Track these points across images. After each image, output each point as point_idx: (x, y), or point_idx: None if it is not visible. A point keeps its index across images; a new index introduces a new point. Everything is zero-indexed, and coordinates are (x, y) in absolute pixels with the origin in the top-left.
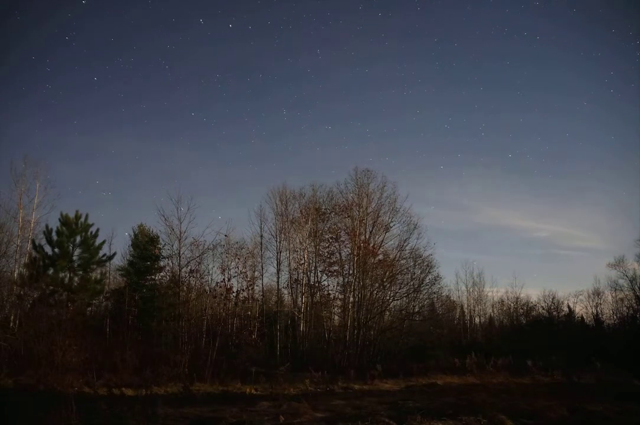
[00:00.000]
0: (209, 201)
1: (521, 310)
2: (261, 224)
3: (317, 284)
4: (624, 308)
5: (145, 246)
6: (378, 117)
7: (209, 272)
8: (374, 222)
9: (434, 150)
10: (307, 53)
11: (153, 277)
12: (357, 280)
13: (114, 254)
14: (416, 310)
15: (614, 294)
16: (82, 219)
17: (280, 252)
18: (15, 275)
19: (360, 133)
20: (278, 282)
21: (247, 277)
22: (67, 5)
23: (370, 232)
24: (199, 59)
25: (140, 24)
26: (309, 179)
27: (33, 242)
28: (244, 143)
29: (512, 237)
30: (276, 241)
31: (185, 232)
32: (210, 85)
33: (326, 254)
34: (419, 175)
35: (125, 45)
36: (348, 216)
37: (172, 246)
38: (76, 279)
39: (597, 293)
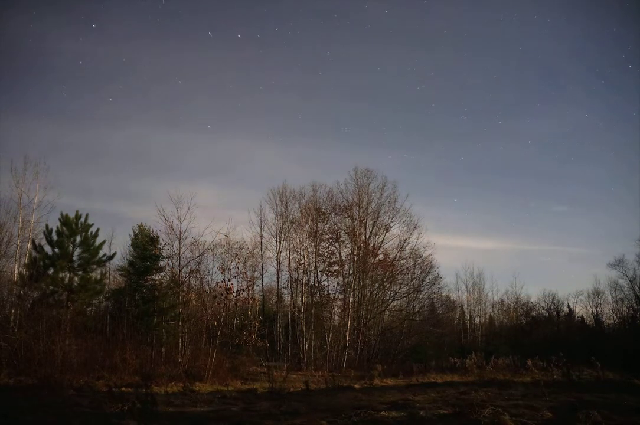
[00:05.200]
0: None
1: (521, 310)
2: (261, 224)
3: (317, 284)
4: (624, 308)
5: (145, 246)
6: (393, 114)
7: (209, 272)
8: (374, 222)
9: (451, 142)
10: (316, 56)
11: (153, 277)
12: (357, 280)
13: (114, 254)
14: (416, 310)
15: (614, 294)
16: (82, 219)
17: (280, 252)
18: (15, 275)
19: (376, 131)
20: (278, 282)
21: (247, 277)
22: (78, 30)
23: (370, 232)
24: (210, 71)
25: (150, 43)
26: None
27: (33, 242)
28: (260, 149)
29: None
30: (276, 241)
31: (185, 232)
32: (222, 95)
33: (326, 254)
34: (435, 169)
35: (137, 64)
36: (348, 216)
37: (172, 246)
38: (76, 279)
39: (597, 293)
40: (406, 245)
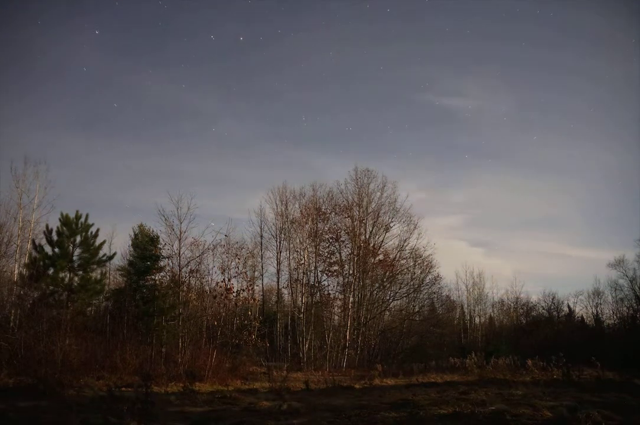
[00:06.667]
0: (209, 201)
1: (521, 310)
2: (261, 224)
3: (317, 284)
4: (624, 308)
5: (145, 246)
6: (397, 113)
7: (209, 272)
8: (374, 222)
9: (457, 140)
10: (320, 57)
11: (153, 277)
12: (357, 280)
13: (114, 254)
14: (416, 310)
15: (614, 294)
16: (82, 219)
17: (280, 252)
18: (15, 275)
19: (380, 131)
20: (278, 282)
21: (247, 277)
22: (81, 37)
23: (370, 232)
24: (214, 74)
25: (152, 49)
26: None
27: (33, 242)
28: (268, 152)
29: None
30: (276, 241)
31: (185, 232)
32: (227, 98)
33: (326, 254)
34: (444, 166)
35: (141, 70)
36: (348, 216)
37: (172, 246)
38: (76, 279)
39: (597, 293)
40: (406, 245)
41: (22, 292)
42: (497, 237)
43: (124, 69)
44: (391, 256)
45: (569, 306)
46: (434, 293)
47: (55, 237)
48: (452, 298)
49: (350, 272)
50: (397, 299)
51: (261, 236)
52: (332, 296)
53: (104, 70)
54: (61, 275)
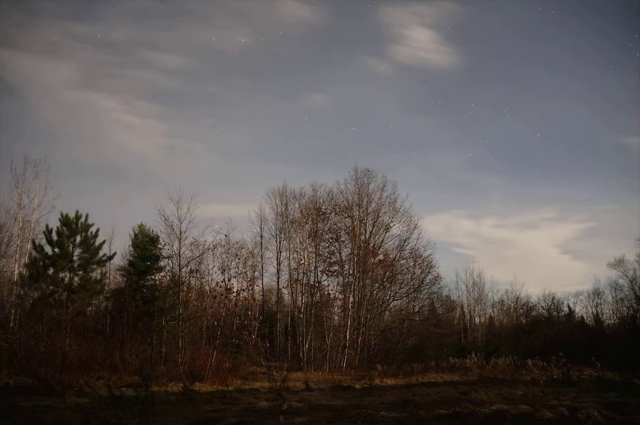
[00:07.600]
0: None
1: (521, 310)
2: (261, 224)
3: (317, 284)
4: (624, 308)
5: (145, 246)
6: (399, 113)
7: (209, 272)
8: (374, 222)
9: (460, 141)
10: (321, 56)
11: (153, 277)
12: (357, 280)
13: (114, 254)
14: (416, 310)
15: (614, 294)
16: (82, 219)
17: (281, 252)
18: (15, 275)
19: (384, 131)
20: (278, 282)
21: (247, 277)
22: (83, 39)
23: (370, 232)
24: (215, 75)
25: (153, 49)
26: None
27: (33, 242)
28: (268, 152)
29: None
30: (276, 241)
31: (185, 232)
32: (228, 99)
33: (326, 254)
34: (448, 166)
35: (140, 71)
36: (348, 216)
37: (172, 246)
38: (76, 279)
39: (597, 293)
40: (406, 245)
41: (22, 292)
42: (583, 246)
43: (124, 72)
44: (391, 256)
45: (569, 306)
46: (434, 293)
47: (55, 237)
48: (452, 298)
49: (350, 272)
50: (397, 299)
51: (261, 236)
52: (332, 296)
53: (104, 73)
54: (61, 275)
